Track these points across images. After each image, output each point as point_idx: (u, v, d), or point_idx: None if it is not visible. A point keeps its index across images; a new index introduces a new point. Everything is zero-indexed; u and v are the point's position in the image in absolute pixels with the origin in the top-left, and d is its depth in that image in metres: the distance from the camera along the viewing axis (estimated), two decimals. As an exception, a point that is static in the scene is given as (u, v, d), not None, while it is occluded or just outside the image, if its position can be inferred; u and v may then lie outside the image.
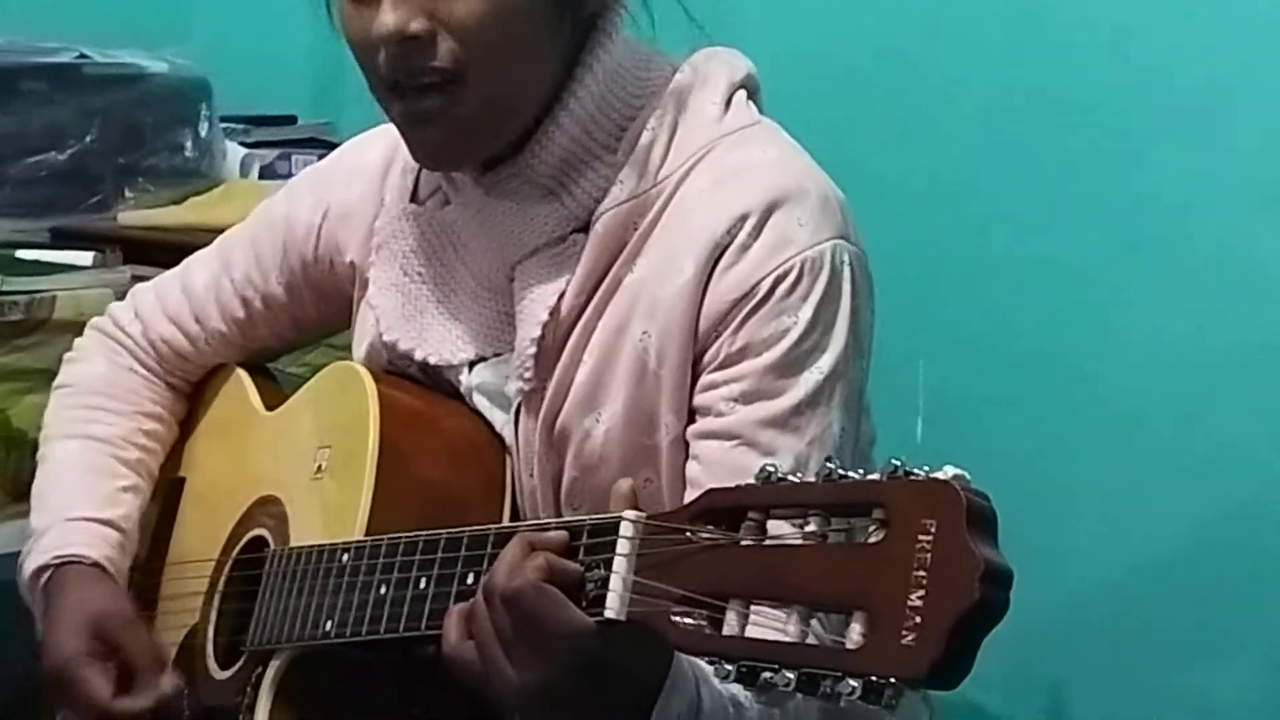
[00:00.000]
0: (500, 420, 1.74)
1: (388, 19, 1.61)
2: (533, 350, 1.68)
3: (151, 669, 1.79)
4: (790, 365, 1.62)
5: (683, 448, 1.65)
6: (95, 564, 1.86)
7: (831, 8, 2.62)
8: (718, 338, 1.63)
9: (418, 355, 1.77)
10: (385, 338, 1.78)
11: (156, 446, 1.97)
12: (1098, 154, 2.46)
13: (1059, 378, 2.50)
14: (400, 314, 1.78)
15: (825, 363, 1.63)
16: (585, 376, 1.67)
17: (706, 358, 1.64)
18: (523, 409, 1.71)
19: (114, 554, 1.87)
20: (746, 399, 1.62)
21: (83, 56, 2.64)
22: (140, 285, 2.02)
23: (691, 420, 1.65)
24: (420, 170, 1.79)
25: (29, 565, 1.87)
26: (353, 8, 1.64)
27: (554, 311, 1.68)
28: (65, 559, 1.85)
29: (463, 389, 1.76)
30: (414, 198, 1.79)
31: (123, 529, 1.90)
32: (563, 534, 1.43)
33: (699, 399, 1.65)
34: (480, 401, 1.75)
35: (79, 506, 1.89)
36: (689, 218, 1.65)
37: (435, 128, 1.64)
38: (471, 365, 1.76)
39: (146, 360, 1.97)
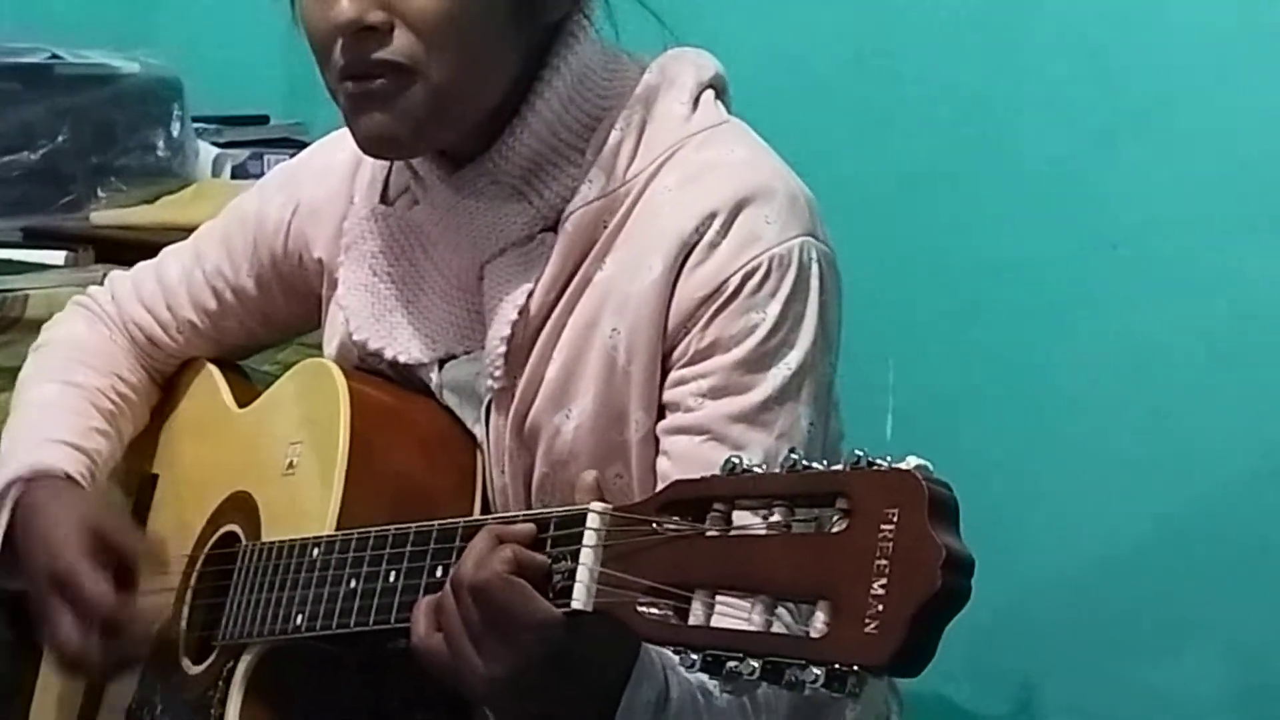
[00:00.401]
0: (470, 417, 1.74)
1: (346, 8, 1.61)
2: (503, 349, 1.69)
3: (155, 557, 1.78)
4: (758, 361, 1.63)
5: (653, 443, 1.66)
6: (70, 479, 1.82)
7: (801, 8, 2.63)
8: (686, 334, 1.64)
9: (387, 354, 1.77)
10: (355, 337, 1.78)
11: (128, 410, 1.94)
12: (1067, 154, 2.47)
13: (1028, 375, 2.51)
14: (369, 314, 1.78)
15: (793, 359, 1.64)
16: (555, 373, 1.68)
17: (675, 354, 1.64)
18: (493, 406, 1.71)
19: (89, 476, 1.84)
20: (715, 394, 1.63)
21: (54, 57, 2.64)
22: (117, 272, 2.02)
23: (661, 416, 1.65)
24: (390, 171, 1.79)
25: None
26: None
27: (523, 310, 1.68)
28: (41, 471, 1.82)
29: (433, 386, 1.76)
30: (383, 198, 1.80)
31: (96, 463, 1.87)
32: (530, 526, 1.44)
33: (668, 395, 1.65)
34: (450, 399, 1.75)
35: (56, 432, 1.86)
36: (658, 216, 1.66)
37: (380, 112, 1.63)
38: (441, 363, 1.76)
39: (121, 339, 1.97)
